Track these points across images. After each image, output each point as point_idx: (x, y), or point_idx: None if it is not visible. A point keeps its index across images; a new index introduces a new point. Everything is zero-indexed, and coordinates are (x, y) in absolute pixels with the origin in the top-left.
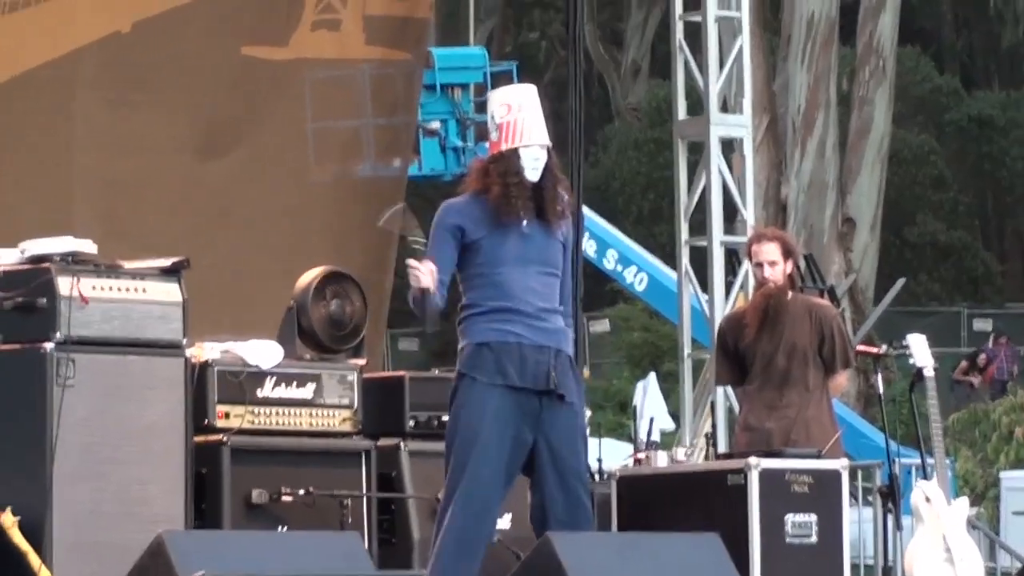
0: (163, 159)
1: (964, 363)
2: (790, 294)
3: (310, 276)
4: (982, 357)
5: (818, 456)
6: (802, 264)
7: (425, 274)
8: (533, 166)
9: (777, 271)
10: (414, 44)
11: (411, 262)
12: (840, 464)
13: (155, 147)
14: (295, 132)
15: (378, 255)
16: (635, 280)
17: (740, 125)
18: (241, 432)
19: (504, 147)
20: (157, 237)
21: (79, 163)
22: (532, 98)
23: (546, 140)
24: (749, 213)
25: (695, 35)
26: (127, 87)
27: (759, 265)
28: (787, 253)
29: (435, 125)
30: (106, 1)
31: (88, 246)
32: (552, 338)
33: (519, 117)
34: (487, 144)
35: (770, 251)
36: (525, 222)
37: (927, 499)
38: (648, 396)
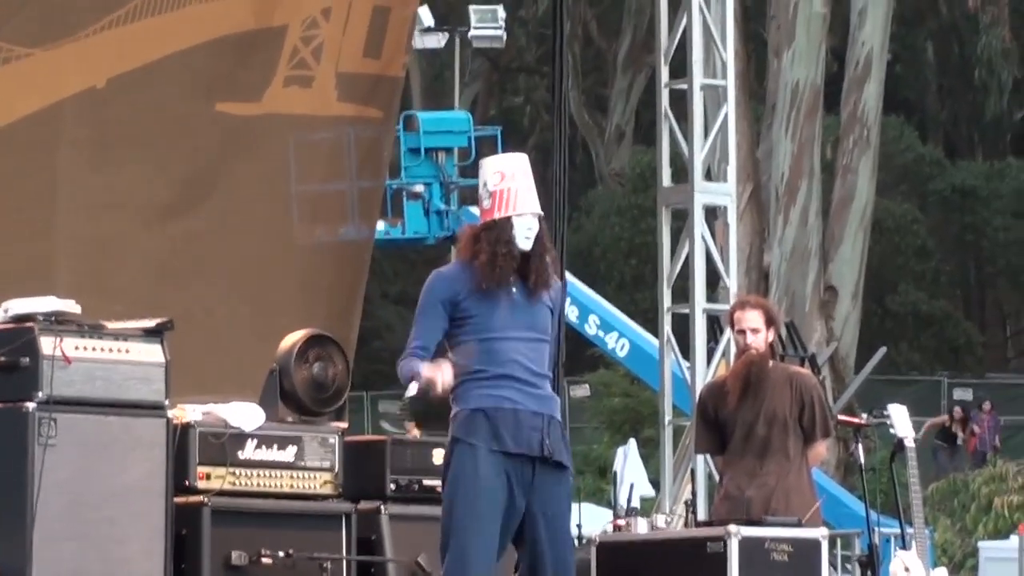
0: (144, 216)
1: (945, 417)
2: (771, 362)
3: (293, 339)
4: (957, 409)
5: (798, 525)
6: (784, 332)
7: (447, 380)
8: (526, 235)
9: (759, 339)
10: (386, 102)
11: (426, 370)
12: (820, 533)
13: (136, 204)
14: (278, 192)
15: (346, 315)
16: (617, 346)
17: (724, 193)
18: (222, 493)
19: (497, 215)
20: (140, 295)
21: (61, 220)
22: (525, 167)
23: (539, 209)
24: (732, 281)
25: (680, 102)
26: (106, 143)
27: (741, 332)
28: (769, 321)
29: (419, 188)
30: (83, 56)
31: (71, 306)
32: (545, 405)
33: (513, 186)
34: (473, 209)
35: (753, 319)
36: (514, 289)
37: (906, 568)
38: (628, 462)
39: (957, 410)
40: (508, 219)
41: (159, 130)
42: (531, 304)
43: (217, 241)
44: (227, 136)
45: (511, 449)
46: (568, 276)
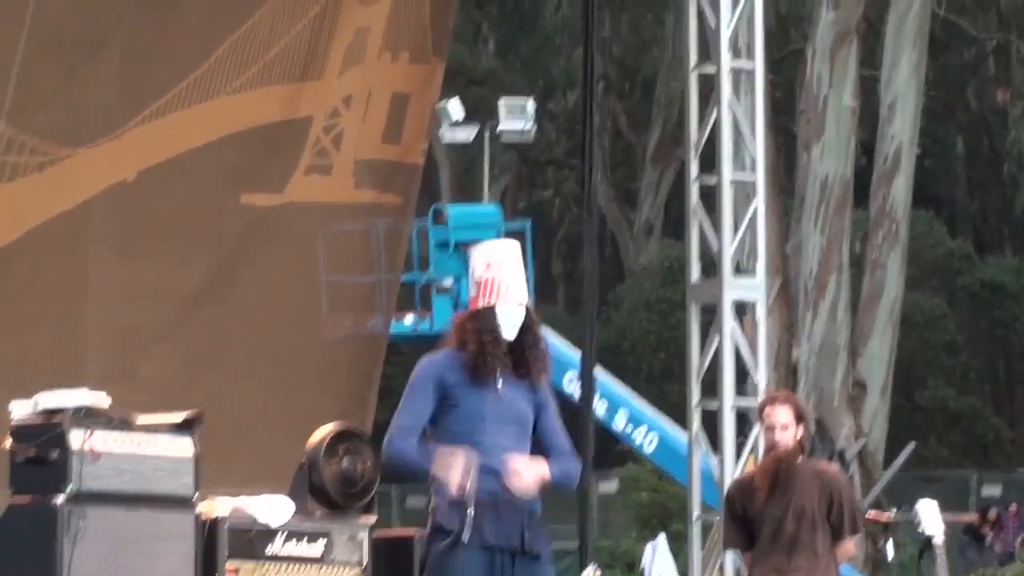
0: (173, 307)
1: (976, 515)
2: (800, 458)
3: (322, 433)
4: (992, 512)
5: None
6: (812, 428)
7: (470, 482)
8: (510, 323)
9: (788, 435)
10: (406, 188)
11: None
12: None
13: (162, 294)
14: (306, 283)
15: (363, 404)
16: (645, 441)
17: (754, 288)
18: None
19: (481, 304)
20: (166, 384)
21: (90, 311)
22: (512, 255)
23: (524, 299)
24: (761, 376)
25: (709, 197)
26: (134, 235)
27: (771, 429)
28: (799, 417)
29: (448, 283)
30: (117, 152)
31: (101, 399)
32: (525, 499)
33: (498, 275)
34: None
35: (782, 415)
36: (500, 381)
37: None
38: (657, 557)
39: (992, 512)
40: (491, 308)
41: (185, 221)
42: (517, 396)
43: (242, 331)
44: (252, 227)
45: (490, 542)
46: (598, 369)
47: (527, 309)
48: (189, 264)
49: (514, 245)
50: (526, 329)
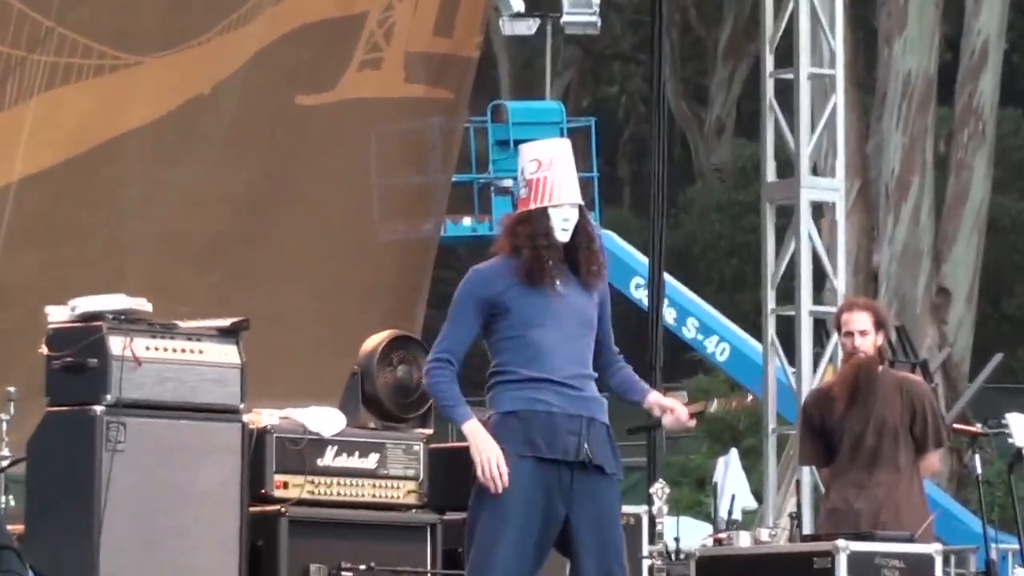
0: (219, 215)
1: None
2: (881, 368)
3: (375, 340)
4: None
5: (910, 540)
6: (893, 336)
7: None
8: (563, 227)
9: (867, 342)
10: (458, 83)
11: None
12: (934, 548)
13: (211, 202)
14: (358, 186)
15: (412, 313)
16: (717, 350)
17: (832, 189)
18: (300, 503)
19: (533, 206)
20: (213, 295)
21: (131, 218)
22: (564, 154)
23: (578, 199)
24: (840, 281)
25: (785, 93)
26: (183, 145)
27: (848, 335)
28: (878, 324)
29: (508, 183)
30: (196, 62)
31: (142, 304)
32: (585, 406)
33: (549, 175)
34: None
35: (861, 320)
36: (559, 283)
37: None
38: (729, 473)
39: None
40: (544, 210)
41: (244, 128)
42: (576, 298)
43: (291, 239)
44: (304, 129)
45: (545, 454)
46: (666, 276)
47: (580, 209)
48: (240, 170)
49: (565, 143)
50: (580, 229)
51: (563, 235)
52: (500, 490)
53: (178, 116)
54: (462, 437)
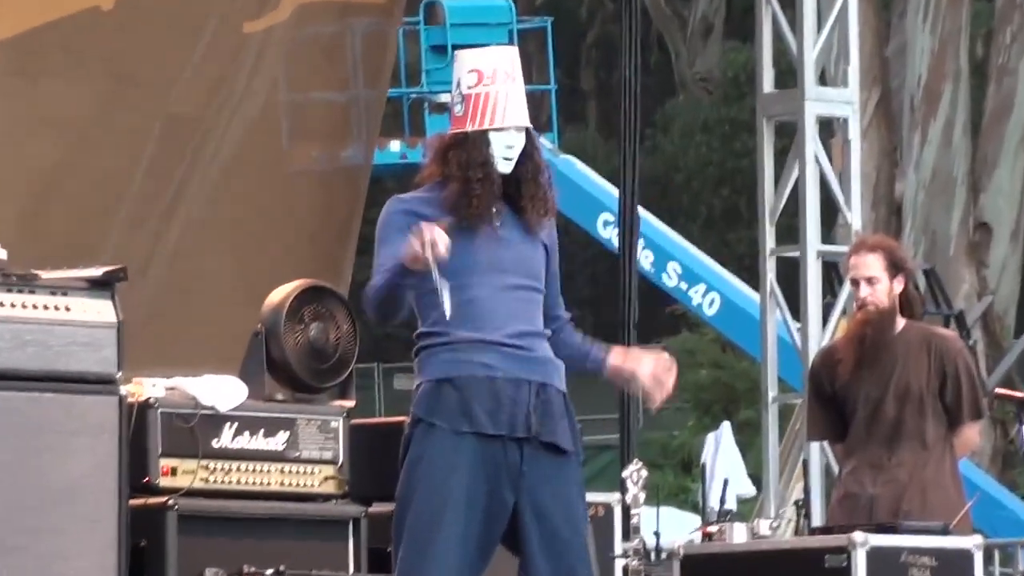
0: (94, 144)
1: None
2: (902, 321)
3: (283, 292)
4: None
5: (944, 531)
6: (920, 282)
7: (446, 241)
8: (506, 155)
9: (879, 291)
10: None
11: (434, 227)
12: (972, 542)
13: (85, 129)
14: (263, 103)
15: (339, 261)
16: (704, 301)
17: (843, 101)
18: (191, 493)
19: (470, 128)
20: (85, 239)
21: None
22: (512, 65)
23: (525, 121)
24: (854, 215)
25: None
26: (96, 67)
27: (855, 283)
28: (894, 267)
29: (445, 98)
30: None
31: None
32: (534, 369)
33: (492, 90)
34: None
35: (869, 264)
36: (498, 223)
37: None
38: (720, 452)
39: None
40: (483, 134)
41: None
42: (519, 242)
43: (192, 174)
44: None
45: (487, 429)
46: (641, 211)
47: (528, 133)
48: (125, 92)
49: (512, 51)
50: (526, 157)
51: (505, 165)
52: (430, 252)
53: (65, 27)
54: (392, 410)
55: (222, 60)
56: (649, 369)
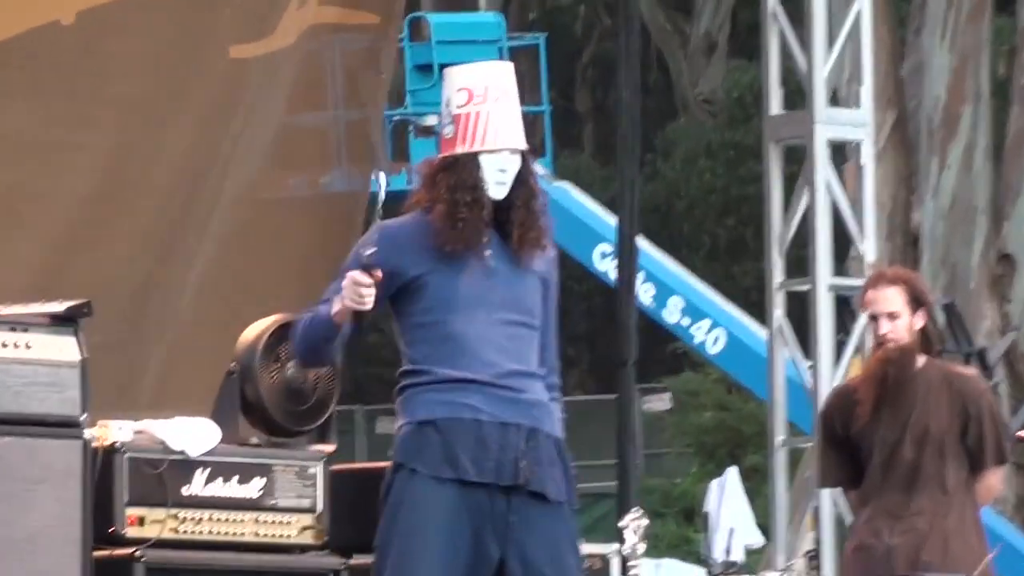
0: (57, 168)
1: None
2: (921, 359)
3: (258, 329)
4: None
5: None
6: (939, 318)
7: (368, 293)
8: (499, 179)
9: (899, 326)
10: (385, 3)
11: (355, 275)
12: None
13: (47, 150)
14: (238, 132)
15: None
16: (708, 339)
17: (857, 123)
18: (160, 544)
19: (459, 149)
20: (47, 273)
21: None
22: (503, 81)
23: (520, 143)
24: (869, 246)
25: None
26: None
27: (874, 318)
28: (915, 301)
29: (431, 121)
30: None
31: None
32: (524, 413)
33: (483, 109)
34: (438, 139)
35: (890, 298)
36: (488, 252)
37: None
38: (726, 500)
39: None
40: (473, 157)
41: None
42: (511, 274)
43: (152, 195)
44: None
45: (472, 477)
46: (640, 242)
47: (523, 157)
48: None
49: (505, 67)
50: (519, 182)
51: (498, 190)
52: (353, 291)
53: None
54: (375, 455)
55: (204, 83)
56: None
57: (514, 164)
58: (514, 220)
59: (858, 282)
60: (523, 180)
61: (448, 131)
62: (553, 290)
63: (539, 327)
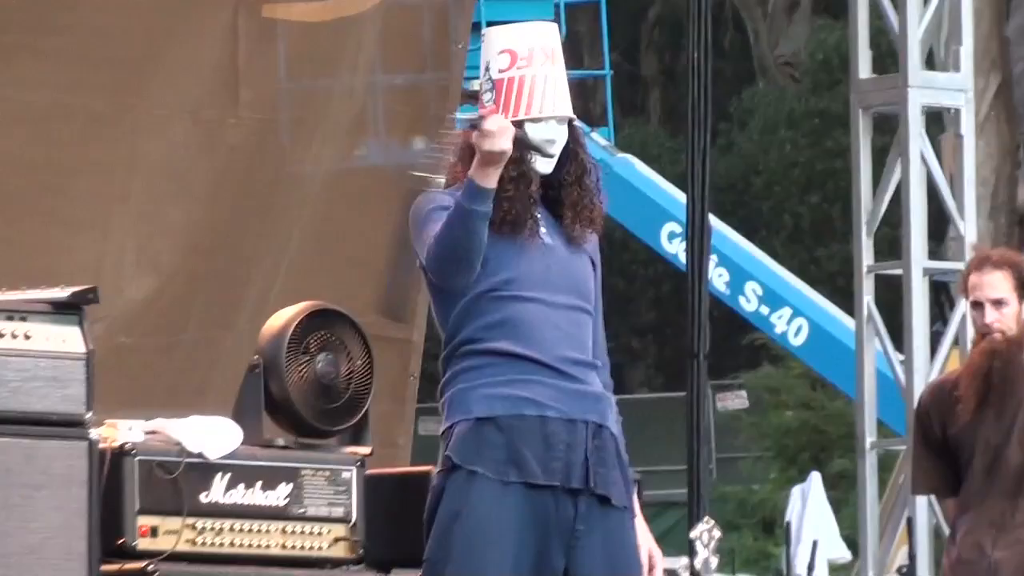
0: (64, 140)
1: None
2: None
3: (284, 317)
4: None
5: None
6: None
7: (507, 125)
8: (547, 151)
9: (1007, 315)
10: None
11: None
12: None
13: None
14: (262, 99)
15: (399, 291)
16: (789, 329)
17: (955, 89)
18: (176, 558)
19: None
20: (52, 254)
21: None
22: (549, 43)
23: (567, 110)
24: (969, 225)
25: None
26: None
27: (978, 305)
28: (1022, 287)
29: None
30: None
31: None
32: (591, 407)
33: (528, 73)
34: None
35: (995, 284)
36: (544, 230)
37: None
38: (809, 509)
39: None
40: (518, 125)
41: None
42: (567, 255)
43: (178, 178)
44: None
45: (539, 479)
46: (714, 222)
47: (571, 126)
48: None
49: (550, 28)
50: (569, 155)
51: (545, 164)
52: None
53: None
54: (416, 458)
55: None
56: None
57: (562, 134)
58: (566, 199)
59: (957, 266)
60: (573, 153)
61: (488, 97)
62: (600, 274)
63: (594, 314)
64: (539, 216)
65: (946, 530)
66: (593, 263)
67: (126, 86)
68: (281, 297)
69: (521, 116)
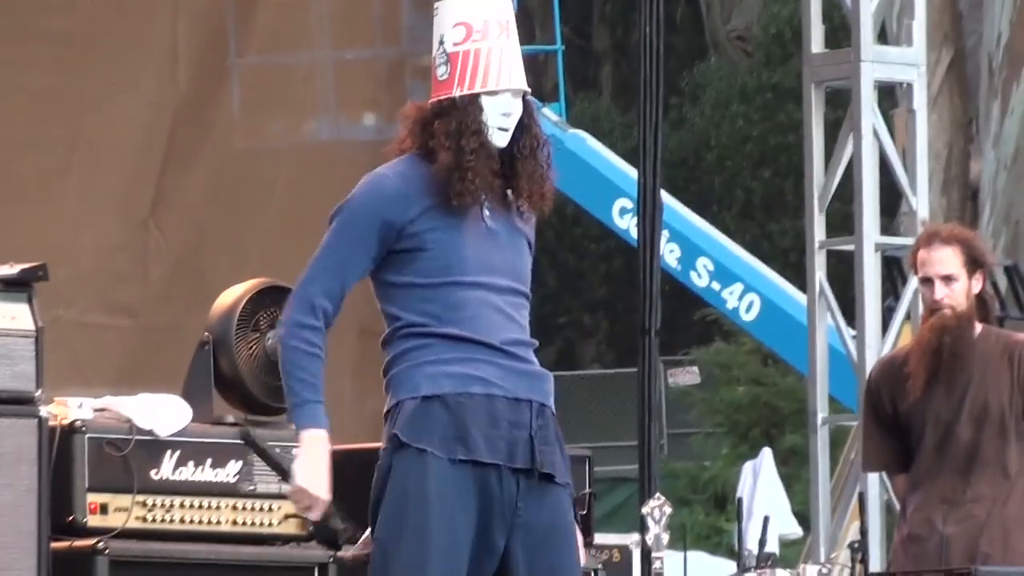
0: (6, 115)
1: None
2: (978, 327)
3: (234, 294)
4: None
5: None
6: (1000, 281)
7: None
8: (502, 124)
9: (957, 291)
10: None
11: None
12: None
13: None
14: (209, 75)
15: None
16: (740, 304)
17: (907, 63)
18: (125, 534)
19: (457, 92)
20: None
21: None
22: (504, 15)
23: (522, 84)
24: (921, 201)
25: None
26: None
27: (927, 281)
28: (973, 263)
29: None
30: None
31: None
32: (536, 387)
33: (482, 46)
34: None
35: (945, 260)
36: (487, 212)
37: None
38: (760, 485)
39: None
40: (474, 99)
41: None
42: (510, 236)
43: (126, 156)
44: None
45: (484, 457)
46: (665, 197)
47: (525, 100)
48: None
49: (505, 1)
50: (522, 129)
51: (501, 136)
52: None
53: None
54: (369, 431)
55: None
56: None
57: (517, 107)
58: (521, 172)
59: (909, 241)
60: (526, 127)
61: (442, 72)
62: (532, 251)
63: (530, 297)
64: (485, 200)
65: (898, 506)
66: (530, 245)
67: (68, 61)
68: (235, 273)
69: (477, 89)
